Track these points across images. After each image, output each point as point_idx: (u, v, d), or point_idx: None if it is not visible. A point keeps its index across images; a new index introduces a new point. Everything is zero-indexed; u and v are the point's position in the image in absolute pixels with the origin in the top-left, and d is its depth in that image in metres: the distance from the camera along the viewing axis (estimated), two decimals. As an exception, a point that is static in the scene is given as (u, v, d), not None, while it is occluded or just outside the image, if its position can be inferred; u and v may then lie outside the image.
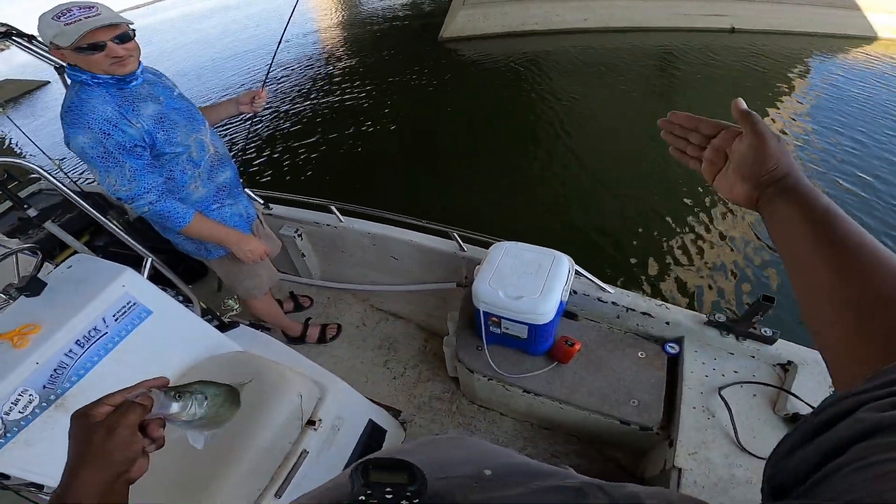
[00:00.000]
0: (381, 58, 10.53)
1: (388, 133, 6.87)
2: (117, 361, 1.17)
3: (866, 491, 0.25)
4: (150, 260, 1.68)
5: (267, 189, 2.53)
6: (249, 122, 6.72)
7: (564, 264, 1.65)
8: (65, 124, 1.30)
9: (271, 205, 2.58)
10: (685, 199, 4.55)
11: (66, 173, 2.90)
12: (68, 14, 1.20)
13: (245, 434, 1.24)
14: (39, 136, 2.93)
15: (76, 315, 1.11)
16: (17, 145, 10.08)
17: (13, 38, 1.56)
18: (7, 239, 2.30)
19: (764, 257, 3.86)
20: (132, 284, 1.21)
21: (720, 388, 1.59)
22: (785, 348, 1.63)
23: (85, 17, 1.21)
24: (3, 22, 1.54)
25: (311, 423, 1.35)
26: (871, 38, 8.33)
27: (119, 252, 2.50)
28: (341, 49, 11.80)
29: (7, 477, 1.06)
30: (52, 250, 2.62)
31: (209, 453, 1.20)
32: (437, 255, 2.20)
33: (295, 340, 2.41)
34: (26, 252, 1.36)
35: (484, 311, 1.63)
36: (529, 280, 1.59)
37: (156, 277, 1.60)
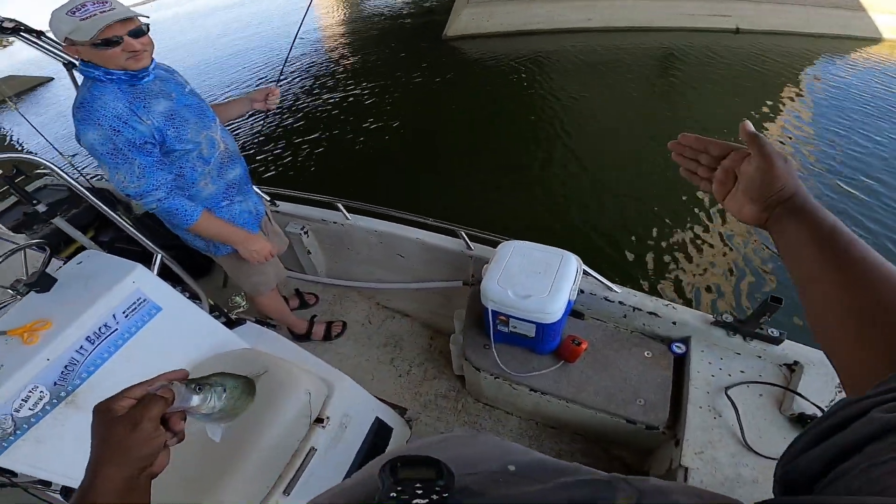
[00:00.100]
0: (383, 55, 10.51)
1: (390, 131, 6.86)
2: (127, 358, 1.17)
3: (881, 486, 0.27)
4: (160, 256, 1.68)
5: (267, 185, 2.53)
6: (252, 118, 6.73)
7: (572, 264, 1.65)
8: (76, 120, 1.29)
9: (278, 202, 2.59)
10: (685, 200, 4.55)
11: (79, 171, 2.90)
12: (83, 9, 1.20)
13: (254, 431, 1.24)
14: (44, 132, 2.92)
15: (87, 311, 1.10)
16: (18, 141, 10.11)
17: (21, 33, 1.56)
18: (13, 234, 2.31)
19: (763, 258, 3.86)
20: (142, 281, 1.21)
21: (727, 388, 1.59)
22: (791, 349, 1.63)
23: (100, 12, 1.21)
24: (11, 18, 1.54)
25: (319, 420, 1.34)
26: (875, 40, 8.30)
27: (124, 248, 2.51)
28: (344, 46, 11.78)
29: (14, 474, 1.06)
30: (56, 246, 2.62)
31: (218, 450, 1.21)
32: (443, 254, 2.20)
33: (300, 338, 2.42)
34: (33, 248, 1.37)
35: (492, 310, 1.63)
36: (538, 279, 1.59)
37: (162, 273, 1.60)
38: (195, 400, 0.64)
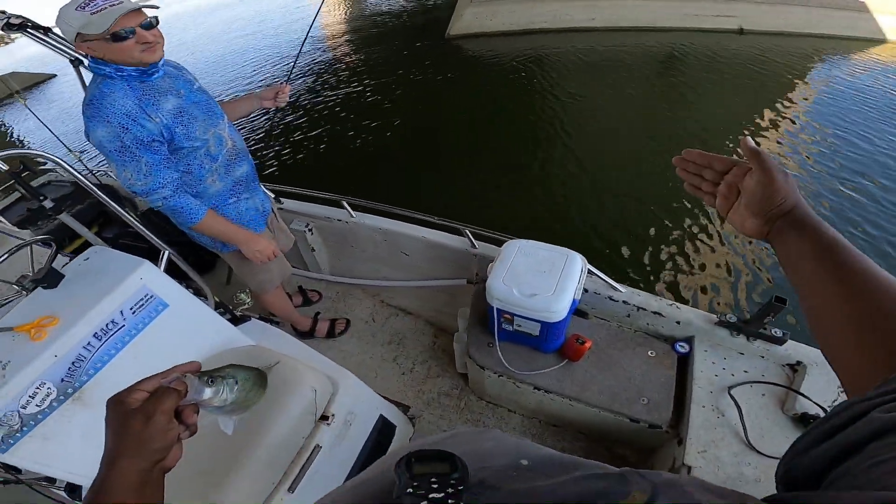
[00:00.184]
0: (385, 53, 10.50)
1: (392, 129, 6.86)
2: (134, 355, 1.17)
3: (882, 485, 0.27)
4: (167, 253, 1.68)
5: (268, 182, 2.54)
6: (253, 115, 6.72)
7: (577, 263, 1.65)
8: (86, 117, 1.29)
9: (282, 199, 2.59)
10: (684, 201, 4.54)
11: (88, 167, 2.89)
12: (92, 4, 1.20)
13: (259, 428, 1.24)
14: (50, 128, 2.92)
15: (94, 307, 1.10)
16: (19, 137, 10.10)
17: (28, 30, 1.56)
18: (18, 230, 2.31)
19: (762, 258, 3.86)
20: (150, 277, 1.21)
21: (730, 388, 1.60)
22: (794, 349, 1.64)
23: (110, 6, 1.20)
24: (19, 14, 1.54)
25: (324, 417, 1.35)
26: (879, 41, 8.28)
27: (129, 244, 2.52)
28: (346, 44, 11.76)
29: (19, 471, 1.06)
30: (60, 241, 2.63)
31: (224, 447, 1.21)
32: (447, 252, 2.20)
33: (304, 335, 2.42)
34: (38, 243, 1.37)
35: (497, 308, 1.64)
36: (543, 278, 1.60)
37: (167, 269, 1.60)
38: (207, 392, 0.63)
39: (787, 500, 0.32)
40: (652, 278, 3.81)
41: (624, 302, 1.83)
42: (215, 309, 1.78)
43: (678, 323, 1.78)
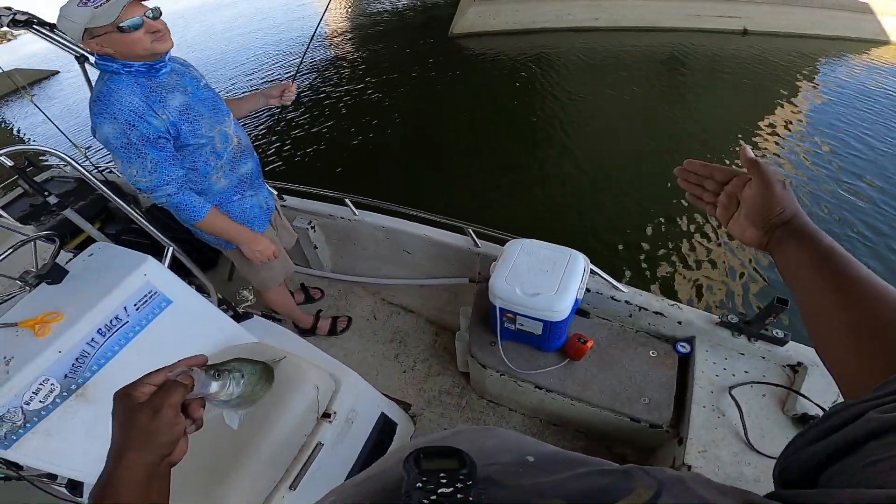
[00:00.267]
0: (388, 52, 10.47)
1: (393, 127, 6.86)
2: (137, 351, 1.17)
3: (878, 483, 0.28)
4: (171, 249, 1.68)
5: (270, 179, 2.54)
6: (256, 112, 6.72)
7: (580, 262, 1.65)
8: (92, 114, 1.30)
9: (285, 196, 2.59)
10: (683, 201, 4.52)
11: (94, 164, 2.90)
12: None
13: (262, 425, 1.25)
14: (51, 125, 2.92)
15: (98, 303, 1.10)
16: (21, 132, 10.11)
17: (34, 26, 1.56)
18: (21, 225, 2.31)
19: (761, 259, 3.86)
20: (154, 273, 1.21)
21: (730, 388, 1.60)
22: (795, 350, 1.64)
23: None
24: (24, 11, 1.54)
25: (326, 415, 1.35)
26: (882, 42, 8.26)
27: (132, 240, 2.52)
28: (348, 42, 11.75)
29: (20, 467, 1.06)
30: (63, 237, 2.63)
31: (227, 443, 1.21)
32: (449, 250, 2.20)
33: (306, 332, 2.42)
34: (42, 239, 1.37)
35: (500, 307, 1.64)
36: (546, 277, 1.60)
37: (171, 266, 1.60)
38: (214, 386, 0.63)
39: (788, 498, 0.32)
40: (651, 279, 3.81)
41: (626, 302, 1.84)
42: (218, 306, 1.78)
43: (680, 323, 1.78)
